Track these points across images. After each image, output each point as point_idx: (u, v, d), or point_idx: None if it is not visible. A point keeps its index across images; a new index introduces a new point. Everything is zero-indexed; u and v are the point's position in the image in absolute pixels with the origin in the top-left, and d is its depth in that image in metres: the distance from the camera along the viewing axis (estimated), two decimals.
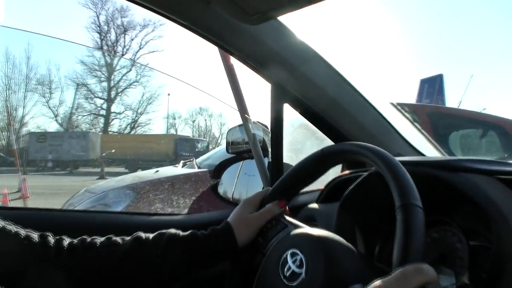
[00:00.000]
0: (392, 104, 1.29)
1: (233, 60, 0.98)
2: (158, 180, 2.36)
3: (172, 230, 0.66)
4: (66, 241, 0.63)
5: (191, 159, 3.06)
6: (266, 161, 1.09)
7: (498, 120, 2.77)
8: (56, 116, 22.29)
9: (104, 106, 24.35)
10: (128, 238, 0.65)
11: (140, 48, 25.33)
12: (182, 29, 0.82)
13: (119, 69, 24.37)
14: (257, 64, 0.91)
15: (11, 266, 0.56)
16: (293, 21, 0.86)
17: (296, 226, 0.65)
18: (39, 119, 27.06)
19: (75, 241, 0.63)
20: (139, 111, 25.11)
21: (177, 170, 2.87)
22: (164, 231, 0.66)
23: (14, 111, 20.17)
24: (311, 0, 0.54)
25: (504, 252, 0.52)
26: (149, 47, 26.15)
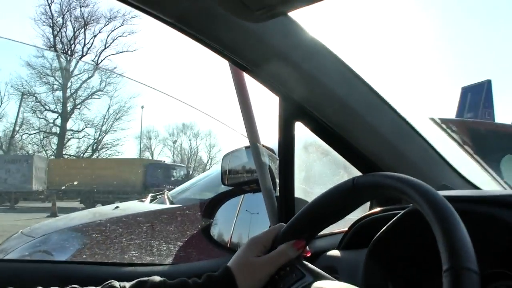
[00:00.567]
0: (433, 120, 1.30)
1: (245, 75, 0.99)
2: (117, 219, 2.35)
3: (156, 278, 0.67)
4: None
5: (163, 191, 3.08)
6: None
7: None
8: None
9: (58, 122, 24.34)
10: None
11: (105, 48, 25.58)
12: (161, 24, 0.84)
13: (77, 74, 24.47)
14: (261, 71, 0.92)
15: None
16: (306, 18, 0.88)
17: (317, 276, 0.65)
18: None
19: None
20: (103, 128, 25.20)
21: (143, 205, 2.88)
22: (145, 279, 0.66)
23: None
24: None
25: None
26: (117, 46, 26.41)
